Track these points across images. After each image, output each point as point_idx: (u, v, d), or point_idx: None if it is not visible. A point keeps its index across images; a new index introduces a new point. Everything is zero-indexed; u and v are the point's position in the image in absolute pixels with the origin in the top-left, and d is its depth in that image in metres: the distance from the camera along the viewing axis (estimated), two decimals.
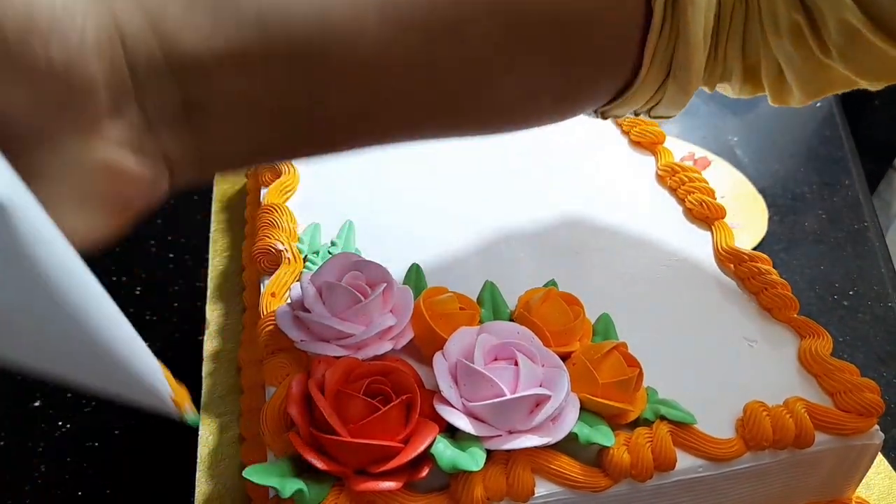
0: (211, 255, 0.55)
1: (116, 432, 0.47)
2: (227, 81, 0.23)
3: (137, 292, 0.58)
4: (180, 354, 0.52)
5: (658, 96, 0.34)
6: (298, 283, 0.36)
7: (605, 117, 0.36)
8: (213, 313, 0.50)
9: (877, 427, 0.35)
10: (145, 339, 0.55)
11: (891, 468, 0.43)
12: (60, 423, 0.47)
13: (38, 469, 0.44)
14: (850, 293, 0.59)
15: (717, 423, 0.34)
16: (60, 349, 0.21)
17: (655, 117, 0.37)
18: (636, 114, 0.37)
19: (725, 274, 0.43)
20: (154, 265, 0.60)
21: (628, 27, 0.31)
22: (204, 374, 0.46)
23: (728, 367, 0.38)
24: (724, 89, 0.37)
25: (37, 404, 0.48)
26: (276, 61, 0.23)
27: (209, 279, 0.53)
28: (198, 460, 0.40)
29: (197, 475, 0.39)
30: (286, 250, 0.40)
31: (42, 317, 0.19)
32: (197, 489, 0.39)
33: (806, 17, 0.31)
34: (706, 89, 0.37)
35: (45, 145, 0.20)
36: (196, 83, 0.22)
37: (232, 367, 0.46)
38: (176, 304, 0.57)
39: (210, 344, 0.48)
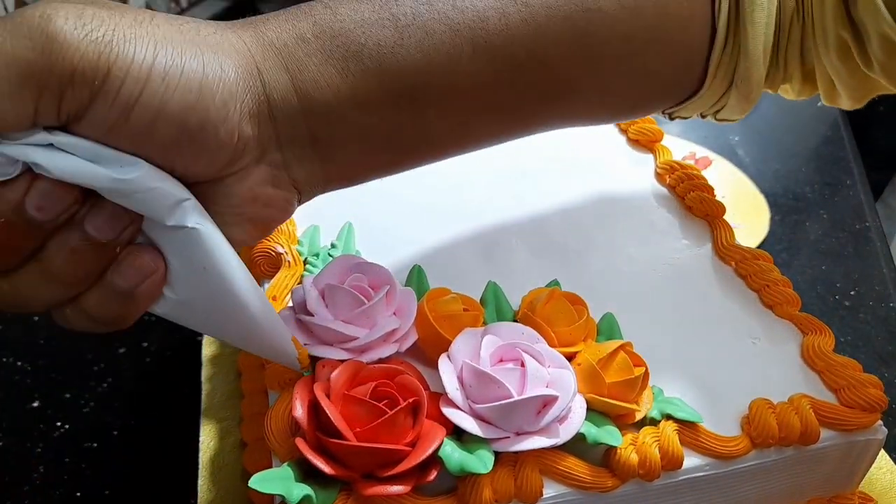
0: None
1: (115, 433, 0.46)
2: (351, 119, 0.28)
3: None
4: (180, 355, 0.52)
5: (722, 102, 0.38)
6: (299, 286, 0.36)
7: (672, 118, 0.40)
8: None
9: (880, 422, 0.35)
10: (145, 339, 0.56)
11: (892, 463, 0.43)
12: (59, 424, 0.47)
13: (37, 470, 0.44)
14: (852, 293, 0.59)
15: (722, 421, 0.34)
16: (230, 322, 0.28)
17: (721, 120, 0.40)
18: (702, 116, 0.40)
19: (726, 271, 0.43)
20: None
21: (694, 46, 0.35)
22: (203, 378, 0.45)
23: (731, 364, 0.37)
24: (785, 91, 0.41)
25: (36, 405, 0.48)
26: (389, 98, 0.29)
27: None
28: (199, 467, 0.40)
29: (199, 482, 0.39)
30: (286, 253, 0.40)
31: (222, 301, 0.27)
32: (199, 496, 0.38)
33: (852, 33, 0.34)
34: (769, 91, 0.40)
35: (213, 186, 0.26)
36: (325, 123, 0.28)
37: (231, 372, 0.46)
38: None
39: (208, 349, 0.47)
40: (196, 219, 0.25)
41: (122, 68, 0.22)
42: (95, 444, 0.46)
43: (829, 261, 0.63)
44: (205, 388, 0.45)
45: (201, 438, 0.41)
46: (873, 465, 0.38)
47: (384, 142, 0.30)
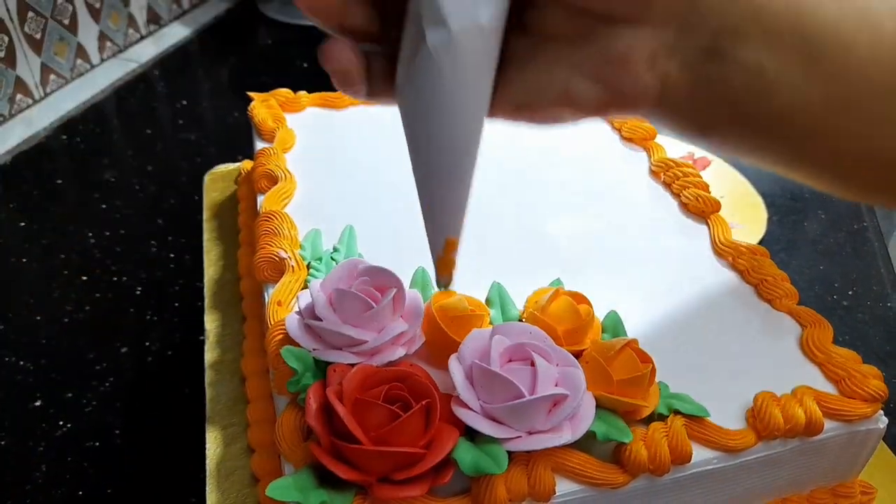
0: (206, 265, 0.54)
1: (117, 432, 0.46)
2: (756, 51, 0.26)
3: (137, 292, 0.57)
4: (181, 354, 0.52)
5: None
6: (305, 290, 0.36)
7: None
8: (211, 324, 0.49)
9: (881, 412, 0.36)
10: (145, 339, 0.56)
11: (891, 453, 0.44)
12: (61, 423, 0.47)
13: (39, 469, 0.44)
14: (850, 293, 0.60)
15: (726, 415, 0.34)
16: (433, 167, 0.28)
17: None
18: None
19: (724, 267, 0.44)
20: (154, 265, 0.60)
21: None
22: (206, 383, 0.45)
23: (732, 358, 0.38)
24: None
25: (37, 404, 0.48)
26: (800, 52, 0.26)
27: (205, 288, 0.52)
28: (206, 474, 0.40)
29: (207, 489, 0.39)
30: (289, 258, 0.40)
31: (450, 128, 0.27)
32: None
33: None
34: None
35: (600, 27, 0.25)
36: (731, 38, 0.26)
37: (234, 378, 0.45)
38: (176, 304, 0.56)
39: (210, 354, 0.47)
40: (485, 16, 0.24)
41: None
42: (97, 444, 0.46)
43: (827, 261, 0.63)
44: (208, 393, 0.44)
45: (207, 445, 0.41)
46: (873, 455, 0.39)
47: (762, 91, 0.27)
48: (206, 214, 0.59)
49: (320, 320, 0.33)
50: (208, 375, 0.45)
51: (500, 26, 0.25)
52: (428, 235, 0.31)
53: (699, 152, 0.74)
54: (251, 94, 0.55)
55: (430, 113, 0.27)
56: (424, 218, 0.31)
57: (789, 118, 0.27)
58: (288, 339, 0.34)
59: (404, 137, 0.29)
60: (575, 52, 0.26)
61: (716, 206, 0.47)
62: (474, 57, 0.25)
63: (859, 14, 0.26)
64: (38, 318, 0.55)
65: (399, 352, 0.33)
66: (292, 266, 0.39)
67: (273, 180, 0.47)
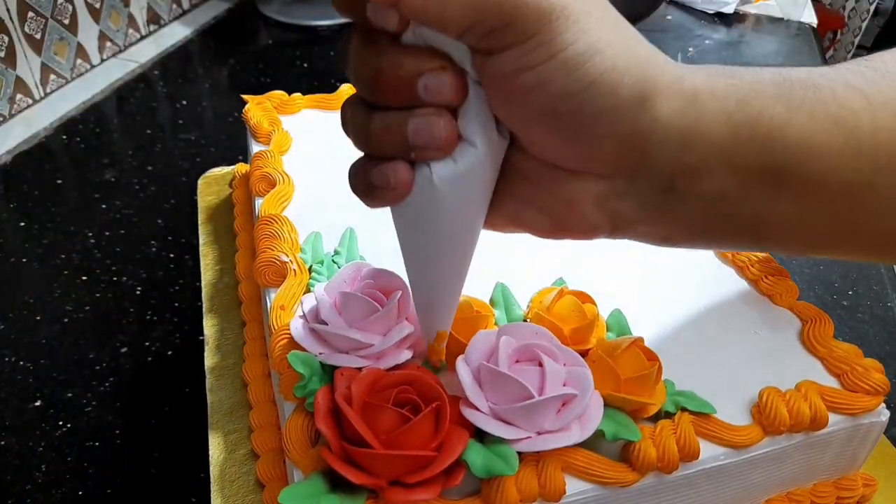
0: (202, 269, 0.54)
1: (117, 432, 0.46)
2: (719, 182, 0.26)
3: (137, 292, 0.57)
4: (181, 354, 0.52)
5: None
6: (310, 294, 0.36)
7: None
8: (210, 328, 0.49)
9: (883, 405, 0.36)
10: (145, 339, 0.56)
11: (892, 445, 0.44)
12: (61, 423, 0.47)
13: (39, 469, 0.44)
14: (850, 293, 0.60)
15: (732, 411, 0.35)
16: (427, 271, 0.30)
17: None
18: None
19: (724, 263, 0.44)
20: (154, 265, 0.60)
21: None
22: (206, 388, 0.45)
23: (734, 354, 0.38)
24: None
25: (37, 404, 0.48)
26: (757, 168, 0.26)
27: (202, 293, 0.52)
28: (210, 481, 0.40)
29: (211, 496, 0.39)
30: (291, 262, 0.39)
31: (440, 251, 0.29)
32: None
33: None
34: None
35: (548, 171, 0.27)
36: (692, 171, 0.26)
37: (235, 383, 0.45)
38: (176, 304, 0.56)
39: (209, 359, 0.47)
40: (483, 150, 0.26)
41: (549, 34, 0.23)
42: (97, 444, 0.46)
43: (827, 261, 0.63)
44: (209, 399, 0.44)
45: (210, 451, 0.41)
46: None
47: (727, 212, 0.27)
48: (200, 218, 0.59)
49: (326, 324, 0.33)
50: (209, 381, 0.45)
51: (500, 150, 0.27)
52: (421, 325, 0.33)
53: None
54: (245, 96, 0.55)
55: (426, 232, 0.28)
56: (417, 311, 0.33)
57: (756, 228, 0.28)
58: (292, 344, 0.34)
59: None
60: (527, 186, 0.28)
61: None
62: (479, 179, 0.27)
63: (831, 120, 0.26)
64: (38, 317, 0.55)
65: (406, 355, 0.33)
66: (294, 270, 0.39)
67: (271, 183, 0.46)
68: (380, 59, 0.24)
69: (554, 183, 0.27)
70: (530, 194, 0.28)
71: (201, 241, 0.57)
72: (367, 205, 0.28)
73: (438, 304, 0.32)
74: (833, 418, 0.35)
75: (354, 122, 0.26)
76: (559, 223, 0.28)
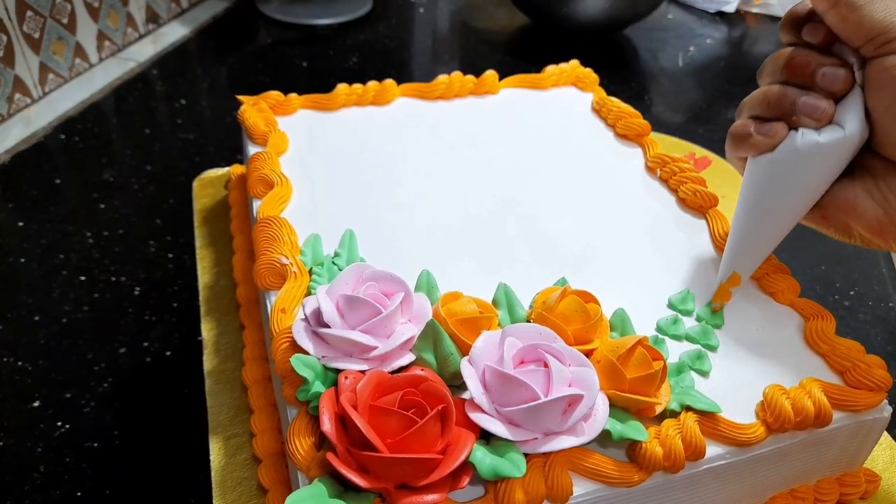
0: (199, 272, 0.54)
1: (115, 433, 0.46)
2: None
3: (136, 292, 0.57)
4: (180, 355, 0.51)
5: None
6: (311, 297, 0.35)
7: None
8: (208, 332, 0.49)
9: (886, 401, 0.36)
10: (144, 339, 0.56)
11: (892, 440, 0.44)
12: (59, 424, 0.47)
13: (37, 469, 0.44)
14: (851, 293, 0.60)
15: (736, 409, 0.34)
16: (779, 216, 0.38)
17: None
18: None
19: None
20: (153, 265, 0.60)
21: None
22: (206, 392, 0.45)
23: (737, 352, 0.38)
24: None
25: (35, 405, 0.48)
26: None
27: (200, 296, 0.52)
28: (212, 486, 0.39)
29: (213, 501, 0.39)
30: (291, 264, 0.39)
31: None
32: None
33: None
34: None
35: (891, 168, 0.35)
36: None
37: (235, 387, 0.45)
38: (175, 304, 0.56)
39: (208, 363, 0.47)
40: (845, 134, 0.34)
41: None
42: (96, 444, 0.45)
43: (829, 261, 0.63)
44: (209, 403, 0.44)
45: (211, 456, 0.41)
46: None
47: None
48: (196, 220, 0.59)
49: (328, 327, 0.33)
50: (208, 385, 0.45)
51: (860, 142, 0.34)
52: (722, 265, 0.41)
53: (700, 152, 0.74)
54: (241, 97, 0.55)
55: (770, 186, 0.37)
56: (727, 250, 0.40)
57: None
58: (294, 347, 0.34)
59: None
60: (870, 179, 0.35)
61: (714, 200, 0.47)
62: (833, 159, 0.35)
63: None
64: (37, 318, 0.54)
65: (409, 357, 0.33)
66: (294, 272, 0.38)
67: (268, 185, 0.46)
68: (796, 51, 0.35)
69: (895, 180, 0.34)
70: (871, 187, 0.35)
71: (197, 243, 0.57)
72: (738, 152, 0.38)
73: (749, 250, 0.39)
74: (837, 415, 0.35)
75: (762, 91, 0.36)
76: (891, 218, 0.34)
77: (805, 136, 0.35)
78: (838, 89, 0.34)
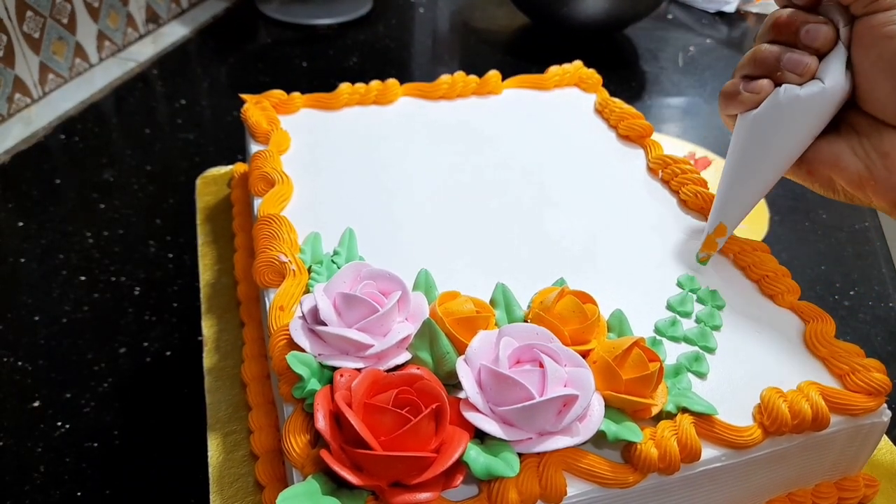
0: (201, 270, 0.54)
1: (115, 433, 0.46)
2: None
3: (137, 292, 0.57)
4: (180, 355, 0.52)
5: None
6: (309, 295, 0.35)
7: None
8: (209, 329, 0.49)
9: (885, 405, 0.36)
10: (144, 339, 0.56)
11: (894, 445, 0.44)
12: (59, 424, 0.47)
13: (37, 469, 0.44)
14: (851, 293, 0.60)
15: (733, 411, 0.34)
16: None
17: None
18: None
19: (726, 263, 0.44)
20: (154, 265, 0.60)
21: None
22: (205, 389, 0.45)
23: (736, 354, 0.38)
24: None
25: (36, 405, 0.48)
26: None
27: (201, 294, 0.52)
28: (209, 482, 0.39)
29: (210, 497, 0.39)
30: (290, 262, 0.39)
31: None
32: None
33: None
34: None
35: (877, 126, 0.36)
36: None
37: (235, 384, 0.45)
38: (175, 304, 0.56)
39: (208, 360, 0.47)
40: (825, 87, 0.36)
41: None
42: (96, 444, 0.45)
43: (829, 261, 0.63)
44: (208, 400, 0.44)
45: (209, 453, 0.41)
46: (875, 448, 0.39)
47: None
48: (199, 218, 0.59)
49: (325, 325, 0.33)
50: (207, 382, 0.45)
51: (841, 97, 0.36)
52: (710, 217, 0.42)
53: (700, 152, 0.74)
54: (244, 95, 0.55)
55: (755, 139, 0.38)
56: (715, 203, 0.42)
57: None
58: (291, 345, 0.34)
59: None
60: (853, 135, 0.36)
61: None
62: (813, 113, 0.36)
63: None
64: (37, 318, 0.54)
65: (406, 355, 0.33)
66: (293, 270, 0.39)
67: (270, 183, 0.46)
68: (782, 10, 0.37)
69: (878, 136, 0.35)
70: (855, 143, 0.36)
71: (199, 241, 0.57)
72: (728, 110, 0.40)
73: (735, 203, 0.41)
74: (834, 419, 0.35)
75: (752, 51, 0.38)
76: (871, 173, 0.35)
77: (787, 91, 0.36)
78: (820, 45, 0.36)
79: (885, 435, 0.43)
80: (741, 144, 0.39)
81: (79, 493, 0.43)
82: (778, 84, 0.37)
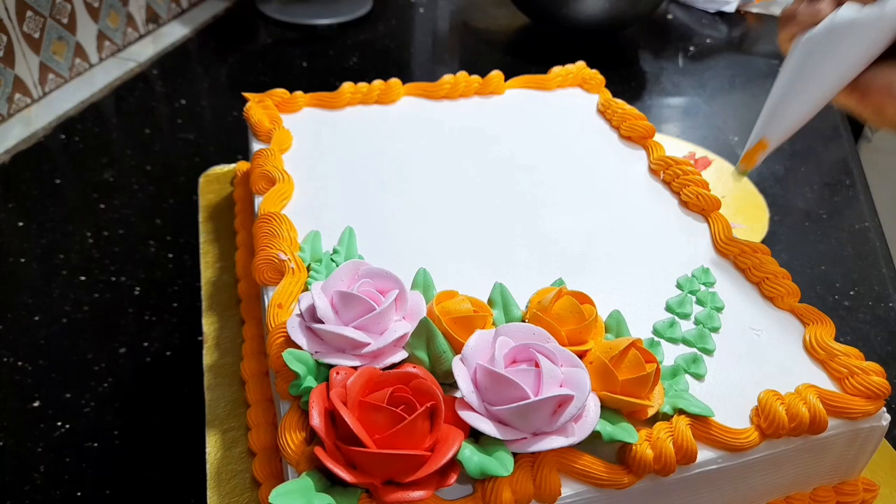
0: (202, 268, 0.54)
1: (115, 433, 0.46)
2: None
3: (137, 292, 0.57)
4: (180, 355, 0.52)
5: None
6: (307, 293, 0.35)
7: None
8: (209, 326, 0.49)
9: (884, 409, 0.36)
10: (144, 339, 0.56)
11: (893, 450, 0.44)
12: (59, 424, 0.47)
13: (37, 469, 0.44)
14: (851, 293, 0.60)
15: (730, 414, 0.34)
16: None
17: None
18: None
19: (726, 265, 0.44)
20: (153, 265, 0.60)
21: None
22: (204, 387, 0.45)
23: (735, 356, 0.38)
24: None
25: (35, 405, 0.48)
26: None
27: (202, 291, 0.52)
28: (207, 478, 0.40)
29: (208, 493, 0.39)
30: (289, 260, 0.39)
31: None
32: None
33: None
34: None
35: None
36: None
37: (234, 381, 0.45)
38: (175, 305, 0.56)
39: (208, 357, 0.47)
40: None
41: None
42: (96, 444, 0.45)
43: (829, 261, 0.63)
44: (207, 397, 0.44)
45: (207, 449, 0.41)
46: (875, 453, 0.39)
47: None
48: (201, 216, 0.59)
49: (322, 323, 0.33)
50: (207, 379, 0.45)
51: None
52: (753, 131, 0.42)
53: (700, 152, 0.74)
54: (246, 94, 0.55)
55: (808, 60, 0.38)
56: (760, 118, 0.42)
57: None
58: (289, 342, 0.34)
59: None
60: None
61: (716, 204, 0.47)
62: (868, 38, 0.36)
63: None
64: (37, 318, 0.54)
65: (402, 354, 0.33)
66: (292, 268, 0.39)
67: (271, 181, 0.46)
68: None
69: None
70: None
71: (201, 239, 0.57)
72: (785, 31, 0.40)
73: (780, 118, 0.40)
74: (833, 422, 0.35)
75: None
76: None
77: (844, 12, 0.36)
78: None
79: (885, 440, 0.43)
80: (794, 63, 0.39)
81: (79, 493, 0.43)
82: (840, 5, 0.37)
